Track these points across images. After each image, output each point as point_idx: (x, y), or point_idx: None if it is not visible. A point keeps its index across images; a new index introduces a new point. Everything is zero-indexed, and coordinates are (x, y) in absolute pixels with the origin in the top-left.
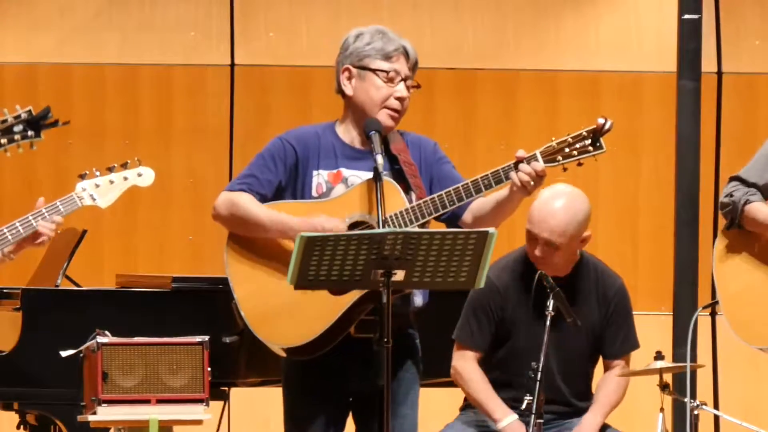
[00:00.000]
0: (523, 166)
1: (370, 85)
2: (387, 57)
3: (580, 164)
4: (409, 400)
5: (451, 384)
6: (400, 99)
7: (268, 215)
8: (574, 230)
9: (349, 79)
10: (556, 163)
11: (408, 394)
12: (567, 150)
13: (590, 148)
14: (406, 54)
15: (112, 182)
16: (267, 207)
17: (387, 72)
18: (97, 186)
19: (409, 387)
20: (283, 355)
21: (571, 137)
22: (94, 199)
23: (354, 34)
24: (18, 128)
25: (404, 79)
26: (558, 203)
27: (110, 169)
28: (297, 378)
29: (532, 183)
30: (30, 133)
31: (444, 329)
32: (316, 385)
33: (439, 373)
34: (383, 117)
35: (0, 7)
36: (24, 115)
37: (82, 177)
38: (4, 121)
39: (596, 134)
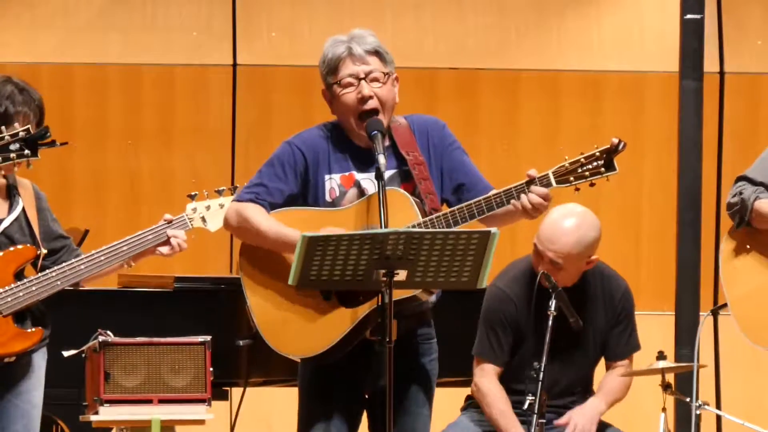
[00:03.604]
0: (526, 196)
1: (337, 100)
2: (334, 69)
3: (592, 185)
4: (423, 399)
5: (454, 384)
6: (362, 99)
7: (274, 230)
8: (579, 253)
9: (327, 99)
10: (568, 184)
11: (421, 393)
12: (579, 171)
13: (602, 169)
14: (352, 53)
15: (222, 206)
16: (277, 214)
17: (339, 82)
18: (208, 208)
19: (422, 386)
20: (298, 360)
21: (584, 157)
22: (204, 222)
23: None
24: (14, 146)
25: (363, 78)
26: (567, 224)
27: (219, 192)
28: (312, 380)
29: (533, 211)
30: (26, 152)
31: (455, 329)
32: (331, 387)
33: (449, 373)
34: (359, 123)
35: (2, 6)
36: (21, 134)
37: (192, 198)
38: (1, 138)
39: (609, 154)
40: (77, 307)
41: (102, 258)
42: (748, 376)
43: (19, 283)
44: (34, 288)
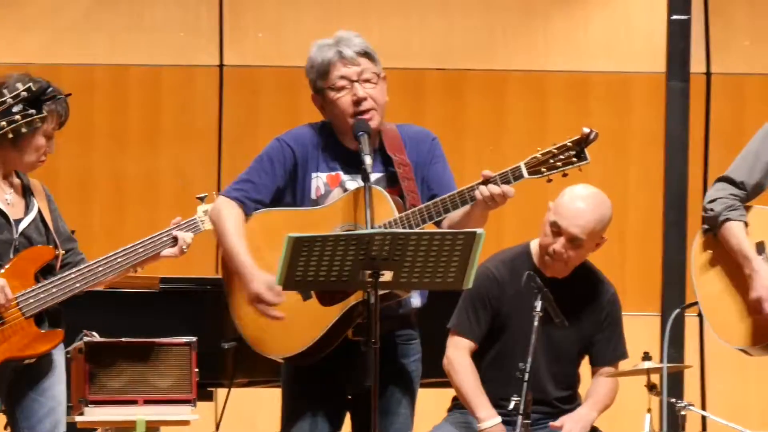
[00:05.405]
0: (491, 186)
1: (329, 103)
2: (325, 73)
3: (565, 175)
4: (404, 400)
5: (439, 385)
6: (358, 101)
7: (235, 252)
8: (600, 230)
9: (317, 103)
10: (541, 175)
11: (403, 394)
12: (552, 161)
13: (574, 159)
14: (342, 56)
15: None
16: (261, 215)
17: (333, 86)
18: None
19: (404, 386)
20: (281, 361)
21: (556, 148)
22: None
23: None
24: (17, 108)
25: (356, 80)
26: (589, 201)
27: None
28: (294, 380)
29: (490, 200)
30: (31, 111)
31: (441, 330)
32: (313, 387)
33: (435, 374)
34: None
35: None
36: (23, 94)
37: (201, 200)
38: (2, 102)
39: (581, 144)
40: (62, 308)
41: (120, 259)
42: (733, 376)
43: (40, 284)
44: (54, 290)
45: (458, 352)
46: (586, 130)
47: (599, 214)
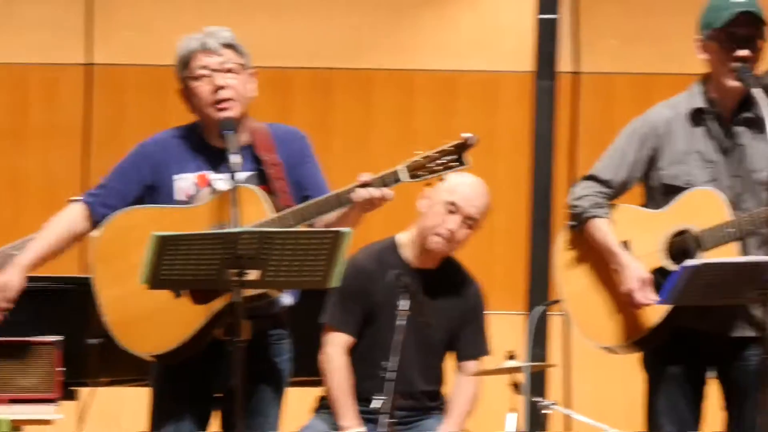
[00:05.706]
0: (371, 189)
1: (191, 93)
2: (186, 63)
3: (441, 180)
4: (274, 399)
5: (306, 383)
6: (218, 89)
7: (31, 245)
8: (486, 214)
9: (184, 97)
10: (420, 179)
11: (272, 393)
12: (431, 165)
13: (453, 163)
14: (205, 47)
15: None
16: (128, 212)
17: (193, 75)
18: None
19: (274, 386)
20: (150, 359)
21: (436, 152)
22: None
23: None
24: None
25: (217, 69)
26: (477, 186)
27: None
28: (164, 378)
29: (368, 203)
30: None
31: (312, 329)
32: (182, 386)
33: (304, 372)
34: (216, 114)
35: None
36: None
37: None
38: None
39: (460, 149)
40: None
41: None
42: (598, 375)
43: None
44: None
45: (335, 349)
46: (466, 135)
47: (487, 199)
